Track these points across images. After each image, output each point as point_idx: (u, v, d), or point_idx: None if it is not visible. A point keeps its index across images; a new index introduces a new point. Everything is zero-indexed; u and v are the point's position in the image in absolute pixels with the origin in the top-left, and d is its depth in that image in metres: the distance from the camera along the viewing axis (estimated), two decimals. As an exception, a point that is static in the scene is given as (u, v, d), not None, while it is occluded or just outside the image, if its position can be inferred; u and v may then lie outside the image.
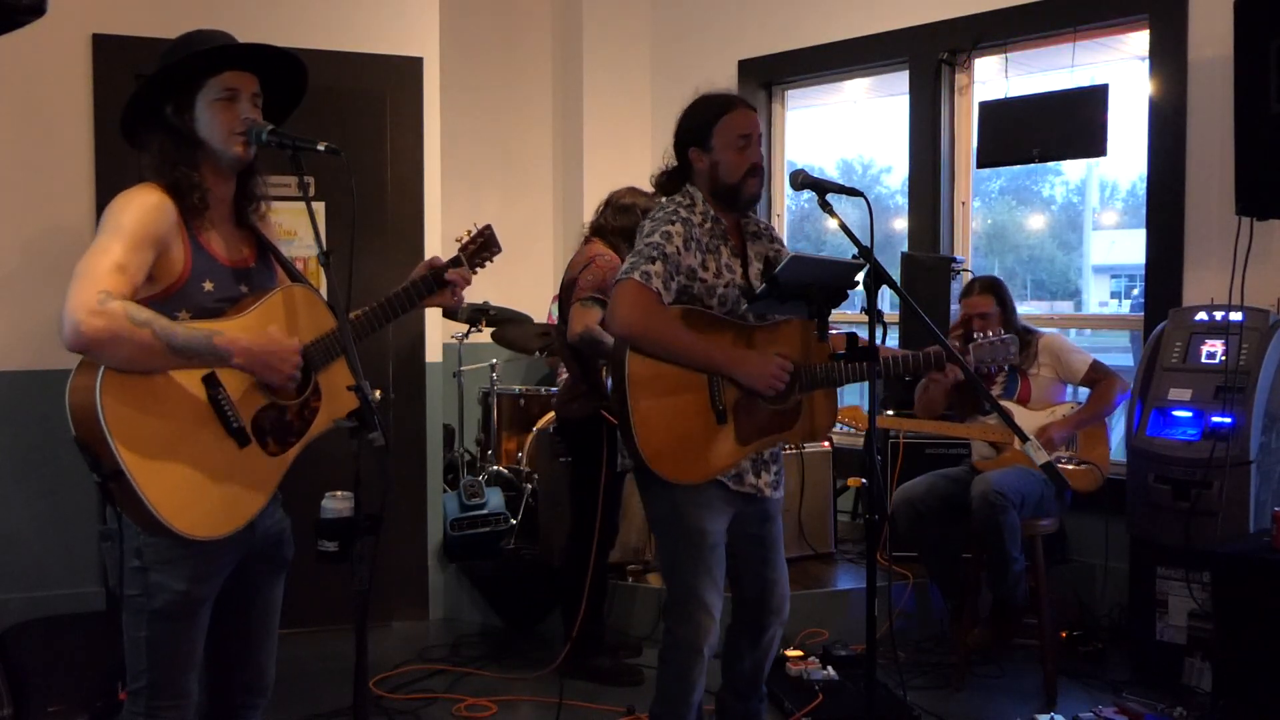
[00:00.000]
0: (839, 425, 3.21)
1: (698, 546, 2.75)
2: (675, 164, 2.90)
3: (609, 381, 3.23)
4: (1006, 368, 3.94)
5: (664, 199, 2.89)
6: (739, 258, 2.85)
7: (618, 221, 3.91)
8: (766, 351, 2.73)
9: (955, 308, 4.81)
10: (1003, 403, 4.03)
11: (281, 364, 2.12)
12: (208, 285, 2.15)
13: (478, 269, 2.57)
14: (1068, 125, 4.55)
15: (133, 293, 2.02)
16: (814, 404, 2.83)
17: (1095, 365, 4.09)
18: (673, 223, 2.72)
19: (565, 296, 3.97)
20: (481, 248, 2.58)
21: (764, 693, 3.05)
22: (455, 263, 2.49)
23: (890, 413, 4.54)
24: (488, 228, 2.60)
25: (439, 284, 2.43)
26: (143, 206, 2.08)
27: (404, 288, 2.41)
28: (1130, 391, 4.06)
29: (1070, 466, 3.94)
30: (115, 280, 1.98)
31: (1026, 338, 4.12)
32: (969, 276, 5.01)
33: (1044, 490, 3.86)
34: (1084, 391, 4.16)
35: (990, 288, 4.18)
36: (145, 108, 2.19)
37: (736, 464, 2.77)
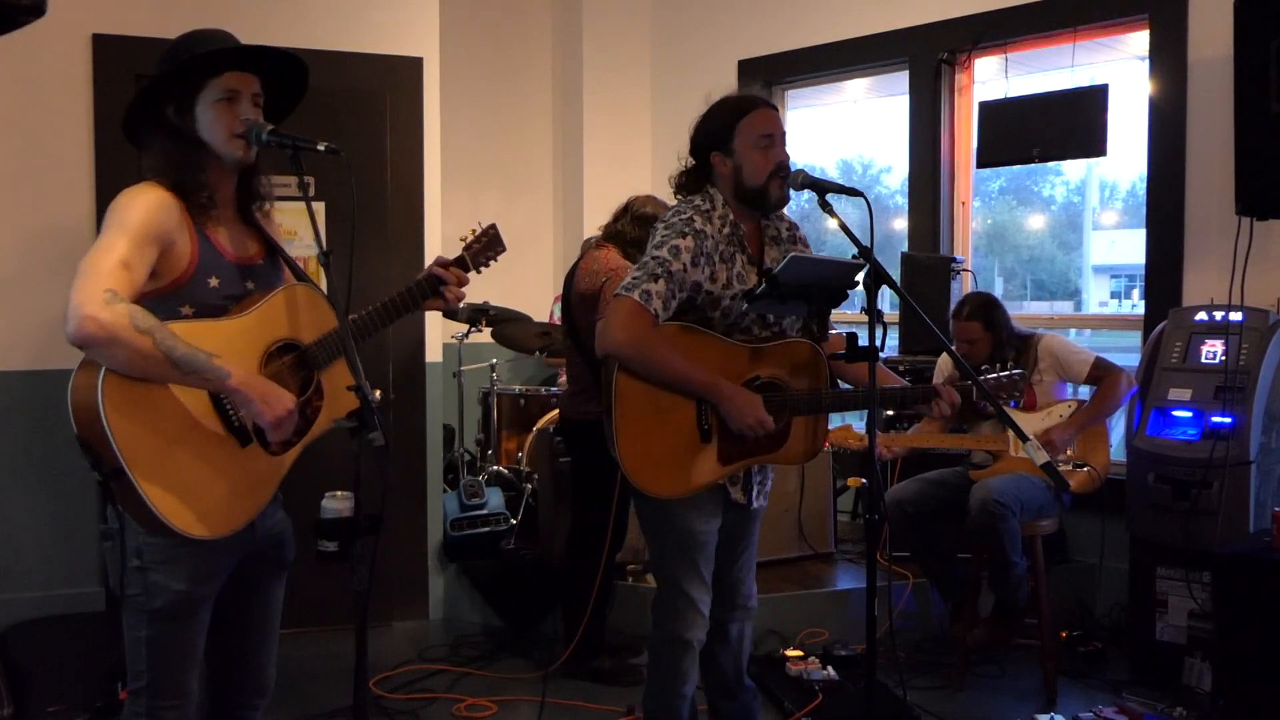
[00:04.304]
0: (830, 448, 3.12)
1: (687, 546, 2.75)
2: (694, 164, 2.80)
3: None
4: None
5: (681, 199, 2.80)
6: (755, 265, 2.77)
7: (635, 232, 3.85)
8: (753, 395, 2.66)
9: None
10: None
11: (275, 404, 2.08)
12: (213, 281, 2.14)
13: (482, 268, 2.56)
14: (1067, 125, 4.55)
15: (136, 290, 2.02)
16: (802, 428, 2.78)
17: (1098, 363, 3.99)
18: (684, 235, 2.64)
19: (582, 306, 3.88)
20: (486, 246, 2.56)
21: (750, 685, 3.03)
22: (460, 261, 2.48)
23: (891, 412, 4.51)
24: (492, 226, 2.58)
25: (440, 283, 2.42)
26: (146, 203, 2.08)
27: (403, 290, 2.39)
28: (1137, 387, 4.00)
29: (1067, 468, 3.92)
30: (120, 277, 1.98)
31: (1023, 344, 4.06)
32: (969, 276, 5.02)
33: (1043, 496, 3.84)
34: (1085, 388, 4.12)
35: (976, 312, 4.04)
36: (146, 109, 2.20)
37: (716, 481, 2.74)
